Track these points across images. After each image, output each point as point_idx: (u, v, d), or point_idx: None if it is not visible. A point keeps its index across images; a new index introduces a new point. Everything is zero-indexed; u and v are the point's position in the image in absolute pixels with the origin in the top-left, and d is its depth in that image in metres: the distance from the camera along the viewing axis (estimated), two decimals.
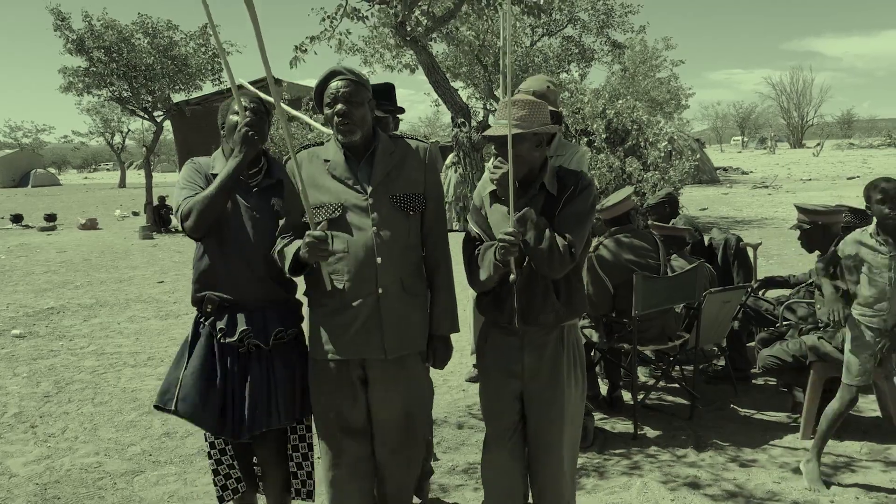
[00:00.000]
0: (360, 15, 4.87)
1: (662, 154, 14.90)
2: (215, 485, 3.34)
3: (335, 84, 2.86)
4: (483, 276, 2.91)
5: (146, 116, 20.39)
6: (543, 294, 2.92)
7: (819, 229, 4.69)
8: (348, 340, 2.92)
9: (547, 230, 2.81)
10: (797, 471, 4.17)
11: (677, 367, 5.70)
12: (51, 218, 20.63)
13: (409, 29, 4.79)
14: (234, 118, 3.04)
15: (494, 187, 2.97)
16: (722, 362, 5.90)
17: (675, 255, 5.42)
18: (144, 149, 21.19)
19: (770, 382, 5.65)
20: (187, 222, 2.99)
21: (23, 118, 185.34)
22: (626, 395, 5.33)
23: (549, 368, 2.98)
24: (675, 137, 16.11)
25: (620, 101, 15.45)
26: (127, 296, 10.00)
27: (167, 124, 20.49)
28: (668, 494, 3.97)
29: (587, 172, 3.49)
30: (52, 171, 58.06)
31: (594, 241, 5.01)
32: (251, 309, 3.06)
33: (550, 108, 3.54)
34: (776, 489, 4.01)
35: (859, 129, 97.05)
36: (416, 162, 3.00)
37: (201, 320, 3.14)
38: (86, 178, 63.60)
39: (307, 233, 2.74)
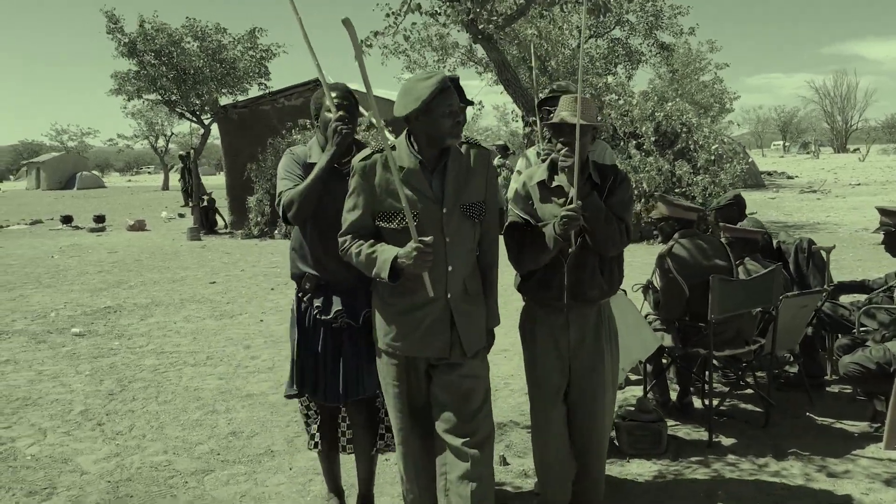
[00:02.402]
0: (431, 12, 4.82)
1: (712, 157, 14.65)
2: (307, 432, 3.74)
3: (454, 96, 2.92)
4: (542, 253, 3.24)
5: (194, 119, 20.65)
6: (591, 272, 3.29)
7: None
8: (417, 339, 3.01)
9: (608, 212, 3.20)
10: (888, 482, 4.02)
11: (749, 374, 5.54)
12: (100, 219, 20.94)
13: (480, 27, 4.73)
14: (328, 115, 3.24)
15: (542, 178, 3.36)
16: (794, 369, 5.73)
17: (748, 259, 5.28)
18: (192, 151, 21.43)
19: (845, 390, 5.47)
20: (289, 213, 3.25)
21: (68, 121, 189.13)
22: (696, 402, 5.20)
23: (592, 340, 3.37)
24: (725, 140, 15.87)
25: (670, 104, 15.24)
26: (181, 296, 10.09)
27: (214, 127, 20.67)
28: None
29: (616, 165, 3.68)
30: (97, 173, 59.13)
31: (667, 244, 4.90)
32: (343, 290, 3.32)
33: None
34: (867, 501, 3.86)
35: None
36: (478, 168, 3.06)
37: (300, 296, 3.43)
38: (129, 180, 64.75)
39: (415, 243, 2.77)
